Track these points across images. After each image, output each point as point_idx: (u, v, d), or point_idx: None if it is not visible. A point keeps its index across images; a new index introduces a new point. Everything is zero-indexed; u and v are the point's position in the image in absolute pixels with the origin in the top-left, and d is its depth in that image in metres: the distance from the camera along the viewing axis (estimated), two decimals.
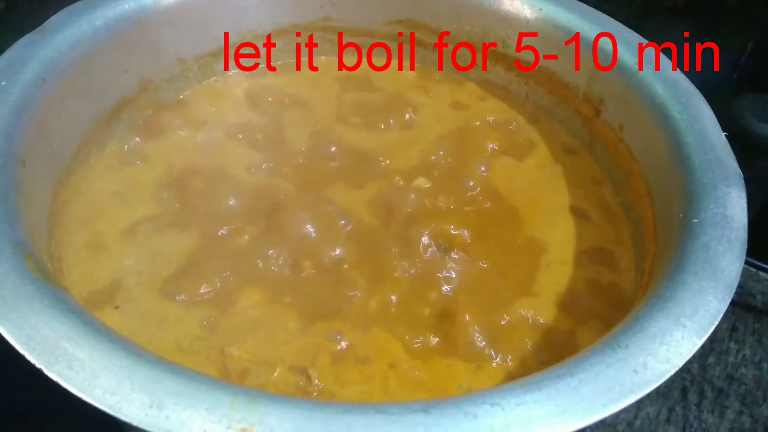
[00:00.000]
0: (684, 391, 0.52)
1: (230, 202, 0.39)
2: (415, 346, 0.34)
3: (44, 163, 0.36)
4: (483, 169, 0.44)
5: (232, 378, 0.31)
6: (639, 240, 0.38)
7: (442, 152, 0.45)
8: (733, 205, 0.32)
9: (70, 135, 0.39)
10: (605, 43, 0.42)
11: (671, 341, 0.26)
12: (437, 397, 0.24)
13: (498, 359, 0.34)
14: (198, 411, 0.23)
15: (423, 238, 0.38)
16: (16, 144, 0.33)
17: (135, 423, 0.23)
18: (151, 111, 0.45)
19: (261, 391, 0.24)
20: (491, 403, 0.24)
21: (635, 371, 0.25)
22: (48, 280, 0.27)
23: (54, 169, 0.37)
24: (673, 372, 0.26)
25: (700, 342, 0.27)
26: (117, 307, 0.34)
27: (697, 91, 0.38)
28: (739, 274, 0.29)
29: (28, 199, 0.32)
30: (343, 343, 0.33)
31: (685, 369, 0.52)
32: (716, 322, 0.27)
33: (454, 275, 0.37)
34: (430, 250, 0.38)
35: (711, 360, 0.54)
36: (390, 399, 0.31)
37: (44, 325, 0.25)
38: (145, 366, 0.24)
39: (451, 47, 0.49)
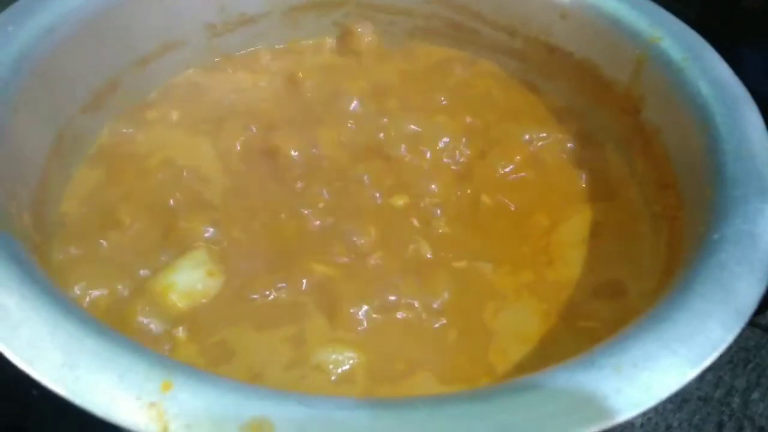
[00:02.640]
0: (720, 426, 0.47)
1: None
2: None
3: (44, 111, 0.35)
4: (507, 165, 0.41)
5: None
6: (658, 258, 0.34)
7: (465, 140, 0.42)
8: (764, 223, 0.28)
9: (77, 89, 0.38)
10: (652, 36, 0.38)
11: (656, 368, 0.23)
12: None
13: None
14: (110, 376, 0.21)
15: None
16: (9, 90, 0.32)
17: (44, 381, 0.21)
18: (171, 74, 0.44)
19: (182, 364, 0.22)
20: (429, 410, 0.21)
21: (606, 397, 0.22)
22: (1, 224, 0.26)
23: (57, 119, 0.37)
24: (652, 404, 0.22)
25: (692, 373, 0.23)
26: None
27: (747, 94, 0.34)
28: (757, 300, 0.25)
29: (13, 144, 0.32)
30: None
31: (725, 402, 0.47)
32: (716, 353, 0.23)
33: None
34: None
35: (755, 395, 0.49)
36: None
37: None
38: (70, 321, 0.23)
39: (489, 32, 0.46)
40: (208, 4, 0.44)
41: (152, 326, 0.31)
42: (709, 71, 0.36)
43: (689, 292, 0.25)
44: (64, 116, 0.37)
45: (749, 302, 0.25)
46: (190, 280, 0.32)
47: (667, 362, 0.23)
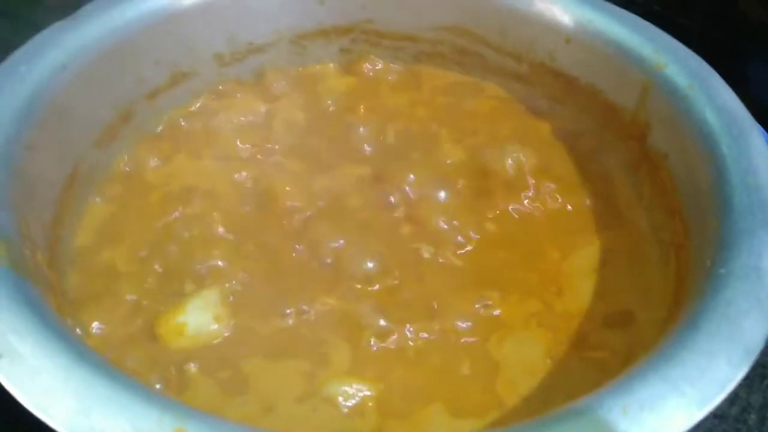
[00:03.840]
0: None
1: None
2: None
3: (58, 148, 0.36)
4: (513, 191, 0.41)
5: None
6: (667, 286, 0.34)
7: (471, 166, 0.42)
8: None
9: (91, 123, 0.39)
10: (657, 62, 0.39)
11: (663, 409, 0.23)
12: None
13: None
14: (123, 424, 0.22)
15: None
16: (24, 129, 0.33)
17: (59, 429, 0.22)
18: (182, 105, 0.45)
19: (194, 410, 0.23)
20: None
21: None
22: (15, 268, 0.27)
23: (70, 155, 0.37)
24: None
25: (700, 414, 0.23)
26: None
27: (754, 122, 0.34)
28: (765, 337, 0.25)
29: (28, 183, 0.32)
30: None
31: (741, 419, 0.47)
32: (724, 393, 0.23)
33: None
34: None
35: None
36: None
37: None
38: (83, 367, 0.23)
39: (494, 57, 0.46)
40: (217, 34, 0.45)
41: (163, 363, 0.31)
42: (714, 98, 0.36)
43: (696, 330, 0.25)
44: (78, 151, 0.38)
45: (757, 339, 0.25)
46: (199, 323, 0.32)
47: (674, 403, 0.23)
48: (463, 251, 0.38)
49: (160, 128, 0.44)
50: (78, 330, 0.31)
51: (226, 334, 0.33)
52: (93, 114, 0.39)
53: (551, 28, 0.43)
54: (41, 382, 0.23)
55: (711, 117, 0.35)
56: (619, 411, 0.23)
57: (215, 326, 0.33)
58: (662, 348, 0.25)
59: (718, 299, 0.26)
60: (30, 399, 0.22)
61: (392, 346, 0.34)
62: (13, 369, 0.23)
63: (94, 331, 0.33)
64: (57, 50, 0.37)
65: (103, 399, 0.22)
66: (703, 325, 0.25)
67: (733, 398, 0.46)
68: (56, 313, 0.26)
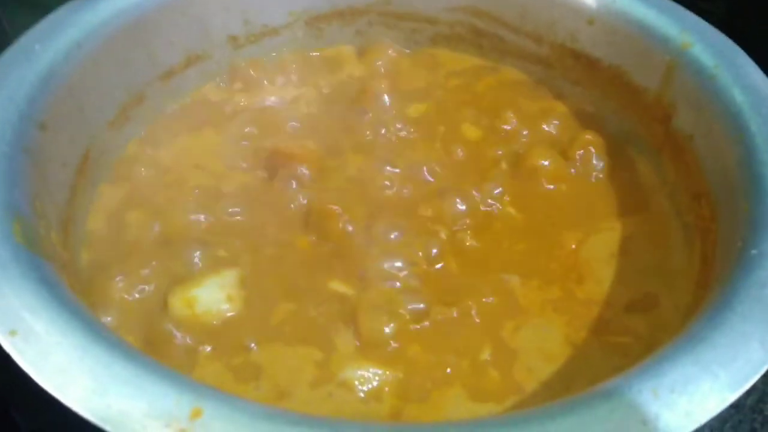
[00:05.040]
0: None
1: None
2: None
3: (72, 128, 0.36)
4: (533, 175, 0.40)
5: None
6: (691, 270, 0.33)
7: (490, 151, 0.41)
8: None
9: (104, 103, 0.39)
10: (682, 42, 0.38)
11: (695, 392, 0.22)
12: None
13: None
14: (140, 403, 0.21)
15: None
16: (37, 108, 0.33)
17: (75, 408, 0.21)
18: (195, 87, 0.44)
19: (212, 390, 0.22)
20: None
21: (644, 423, 0.21)
22: (30, 245, 0.26)
23: (84, 135, 0.37)
24: (691, 429, 0.21)
25: (732, 397, 0.22)
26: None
27: None
28: None
29: (42, 162, 0.32)
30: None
31: (757, 409, 0.46)
32: (757, 376, 0.23)
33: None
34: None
35: None
36: None
37: (11, 292, 0.24)
38: (99, 346, 0.23)
39: (513, 39, 0.45)
40: (233, 17, 0.44)
41: (177, 340, 0.31)
42: (742, 78, 0.35)
43: (728, 311, 0.25)
44: (92, 132, 0.37)
45: None
46: (211, 299, 0.32)
47: (706, 386, 0.22)
48: (482, 235, 0.37)
49: (174, 110, 0.43)
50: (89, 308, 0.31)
51: (231, 315, 0.32)
52: (106, 94, 0.39)
53: (573, 8, 0.42)
54: (56, 360, 0.22)
55: (739, 96, 0.34)
56: (650, 394, 0.22)
57: (225, 306, 0.32)
58: (692, 330, 0.24)
59: (751, 281, 0.25)
60: (44, 377, 0.22)
61: (408, 330, 0.33)
62: (27, 347, 0.23)
63: (104, 309, 0.32)
64: (72, 29, 0.36)
65: (120, 378, 0.22)
66: (736, 307, 0.25)
67: (750, 388, 0.45)
68: (70, 292, 0.26)
